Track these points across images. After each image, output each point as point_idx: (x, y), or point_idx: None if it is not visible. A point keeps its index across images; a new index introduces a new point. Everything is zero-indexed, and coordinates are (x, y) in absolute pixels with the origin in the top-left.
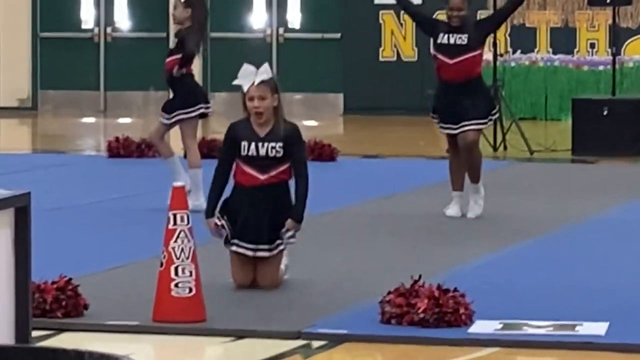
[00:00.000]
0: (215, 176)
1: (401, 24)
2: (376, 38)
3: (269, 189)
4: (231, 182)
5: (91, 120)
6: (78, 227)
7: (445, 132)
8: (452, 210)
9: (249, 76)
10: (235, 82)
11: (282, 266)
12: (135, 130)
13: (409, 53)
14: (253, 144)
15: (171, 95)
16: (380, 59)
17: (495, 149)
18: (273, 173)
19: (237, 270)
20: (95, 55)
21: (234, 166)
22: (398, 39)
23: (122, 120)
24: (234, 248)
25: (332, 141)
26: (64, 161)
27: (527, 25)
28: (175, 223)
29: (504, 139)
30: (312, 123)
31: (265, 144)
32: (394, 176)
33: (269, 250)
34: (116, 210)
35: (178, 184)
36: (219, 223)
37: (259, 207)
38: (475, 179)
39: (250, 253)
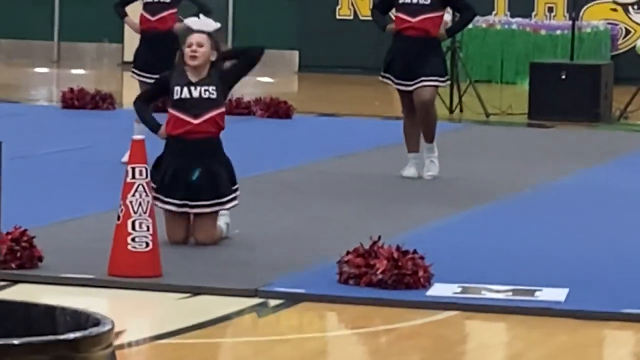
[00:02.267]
0: (138, 103)
1: None
2: None
3: (201, 142)
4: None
5: (44, 70)
6: (32, 178)
7: (400, 89)
8: (409, 171)
9: (193, 24)
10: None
11: (222, 224)
12: (88, 81)
13: (366, 12)
14: (186, 88)
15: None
16: (337, 17)
17: (451, 110)
18: (207, 116)
19: (171, 229)
20: (50, 4)
21: (164, 122)
22: None
23: (75, 71)
24: (167, 207)
25: (287, 99)
26: (17, 111)
27: None
28: (133, 177)
29: (460, 101)
30: (267, 80)
31: (199, 88)
32: (350, 135)
33: (209, 206)
34: (71, 161)
35: (138, 137)
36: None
37: (190, 161)
38: (430, 138)
39: (182, 209)
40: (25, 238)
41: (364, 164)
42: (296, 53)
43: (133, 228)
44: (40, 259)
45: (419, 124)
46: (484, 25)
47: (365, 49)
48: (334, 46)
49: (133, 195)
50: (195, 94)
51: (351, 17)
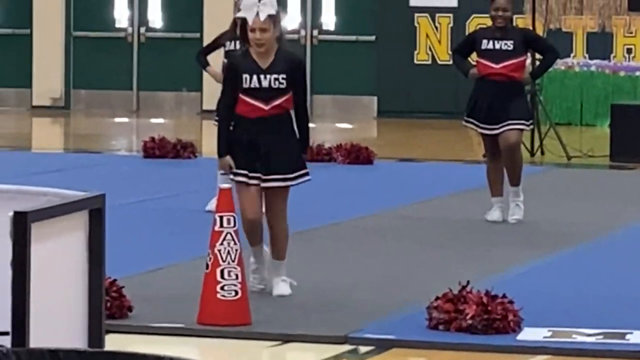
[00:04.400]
0: (222, 112)
1: (436, 27)
2: (411, 41)
3: (272, 119)
4: None
5: (124, 120)
6: (117, 228)
7: (485, 133)
8: (493, 215)
9: (253, 7)
10: (238, 15)
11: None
12: (168, 130)
13: (444, 57)
14: (255, 76)
15: None
16: (415, 62)
17: (532, 154)
18: (276, 103)
19: (246, 203)
20: (129, 55)
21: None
22: (433, 42)
23: (154, 120)
24: (240, 178)
25: (367, 144)
26: (98, 161)
27: (564, 29)
28: (221, 225)
29: (541, 144)
30: (346, 125)
31: (268, 76)
32: (431, 180)
33: (281, 180)
34: (154, 210)
35: (225, 185)
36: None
37: (264, 137)
38: (515, 182)
39: (255, 182)
40: (114, 288)
41: (446, 208)
42: (375, 99)
43: (222, 276)
44: (129, 308)
45: (505, 167)
46: (563, 68)
47: (443, 94)
48: (413, 91)
49: (221, 243)
50: (265, 83)
51: (429, 62)
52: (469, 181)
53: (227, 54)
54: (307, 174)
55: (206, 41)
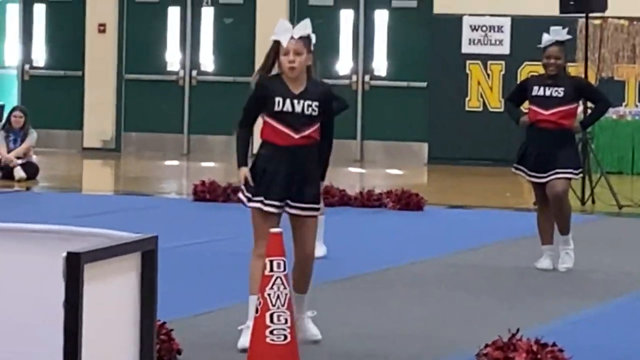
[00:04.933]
0: (241, 128)
1: (488, 75)
2: (463, 88)
3: (301, 149)
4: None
5: (174, 163)
6: (166, 271)
7: (533, 181)
8: (544, 263)
9: (287, 31)
10: (273, 37)
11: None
12: (218, 174)
13: (495, 104)
14: (288, 100)
15: None
16: (467, 108)
17: (583, 202)
18: (306, 132)
19: (262, 232)
20: (180, 98)
21: (261, 124)
22: (485, 89)
23: (204, 163)
24: (259, 205)
25: (417, 190)
26: (148, 204)
27: (616, 78)
28: (271, 269)
29: (592, 193)
30: (396, 171)
31: (301, 102)
32: (481, 227)
33: (304, 209)
34: (204, 254)
35: (275, 230)
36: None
37: (290, 166)
38: (564, 230)
39: (276, 210)
40: (163, 331)
41: (497, 256)
42: (425, 145)
43: (271, 321)
44: (179, 351)
45: (553, 216)
46: (614, 117)
47: (494, 141)
48: (464, 138)
49: (271, 287)
50: (298, 108)
51: (480, 109)
52: (519, 229)
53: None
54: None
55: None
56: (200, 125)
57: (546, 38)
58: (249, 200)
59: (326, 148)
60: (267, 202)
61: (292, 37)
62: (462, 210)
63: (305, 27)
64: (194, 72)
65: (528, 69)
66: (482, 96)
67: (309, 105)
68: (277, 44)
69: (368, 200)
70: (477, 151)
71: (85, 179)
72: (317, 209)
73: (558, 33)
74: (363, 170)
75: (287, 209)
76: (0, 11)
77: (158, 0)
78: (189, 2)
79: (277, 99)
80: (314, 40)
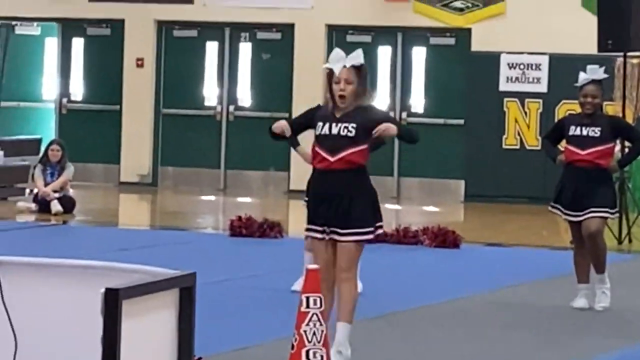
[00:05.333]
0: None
1: (525, 113)
2: (500, 125)
3: (339, 173)
4: None
5: (211, 198)
6: (202, 306)
7: (569, 219)
8: (579, 302)
9: (340, 60)
10: (326, 66)
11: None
12: (254, 209)
13: (533, 142)
14: (327, 124)
15: None
16: (504, 146)
17: (620, 241)
18: (342, 154)
19: (315, 257)
20: (217, 133)
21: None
22: (522, 127)
23: (241, 199)
24: (308, 233)
25: (454, 228)
26: (185, 238)
27: None
28: (307, 306)
29: (629, 232)
30: (433, 209)
31: (339, 124)
32: (518, 265)
33: (343, 234)
34: (240, 289)
35: (312, 266)
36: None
37: (328, 191)
38: (600, 269)
39: (319, 235)
40: None
41: (533, 294)
42: (462, 182)
43: (307, 357)
44: None
45: (589, 254)
46: None
47: (531, 179)
48: (500, 175)
49: (307, 324)
50: (335, 130)
51: (517, 147)
52: (555, 267)
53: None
54: (375, 231)
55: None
56: (237, 160)
57: (583, 77)
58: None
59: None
60: (309, 226)
61: (344, 66)
62: (499, 248)
63: (357, 56)
64: (231, 107)
65: (565, 107)
66: (519, 134)
67: (345, 127)
68: (330, 72)
69: (404, 237)
70: (514, 189)
71: (121, 213)
72: (358, 234)
73: (595, 72)
74: (399, 207)
75: (331, 235)
76: (39, 45)
77: (196, 35)
78: (227, 38)
79: (319, 123)
80: (366, 69)
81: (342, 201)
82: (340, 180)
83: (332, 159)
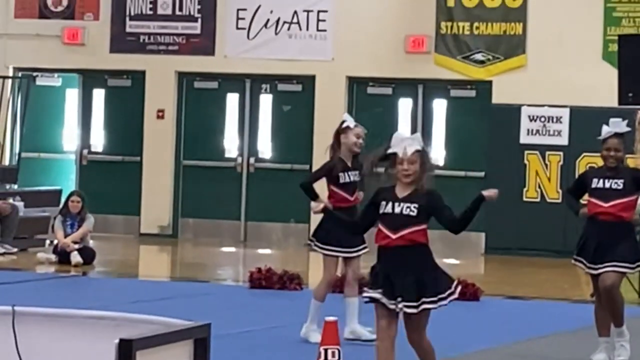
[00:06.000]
0: (356, 227)
1: (546, 165)
2: (520, 178)
3: (402, 250)
4: None
5: (231, 249)
6: (222, 357)
7: (591, 272)
8: (599, 356)
9: (402, 142)
10: (390, 151)
11: None
12: (275, 261)
13: (553, 195)
14: (390, 203)
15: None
16: (524, 199)
17: None
18: (404, 232)
19: (379, 322)
20: (238, 184)
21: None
22: (542, 180)
23: (261, 250)
24: (371, 296)
25: (474, 280)
26: (205, 290)
27: None
28: (326, 358)
29: None
30: (453, 261)
31: (402, 204)
32: (538, 318)
33: (411, 307)
34: (259, 341)
35: (330, 318)
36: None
37: (393, 267)
38: (618, 322)
39: (392, 306)
40: None
41: (554, 347)
42: (483, 235)
43: None
44: None
45: (606, 308)
46: None
47: (552, 232)
48: (521, 228)
49: None
50: (397, 209)
51: (538, 200)
52: (576, 320)
53: (342, 185)
54: (449, 295)
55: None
56: (258, 212)
57: (605, 130)
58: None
59: (456, 220)
60: (370, 290)
61: (405, 149)
62: (519, 301)
63: (418, 140)
64: (252, 159)
65: (586, 160)
66: (539, 187)
67: (407, 207)
68: (393, 155)
69: None
70: (534, 242)
71: (142, 265)
72: (416, 306)
73: (617, 125)
74: None
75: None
76: (60, 96)
77: (217, 86)
78: (247, 89)
79: (382, 202)
80: (426, 150)
81: (406, 277)
82: (402, 256)
83: (393, 237)
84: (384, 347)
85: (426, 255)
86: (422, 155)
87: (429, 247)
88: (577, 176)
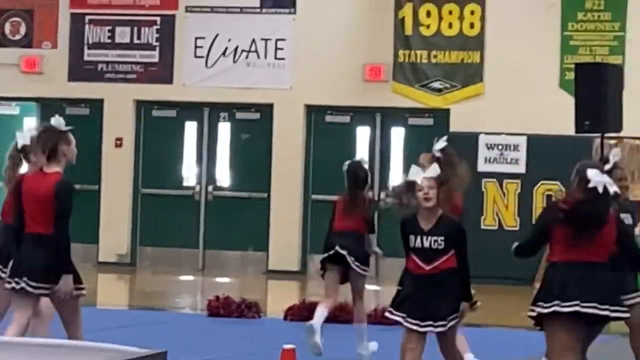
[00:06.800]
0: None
1: (504, 193)
2: (478, 206)
3: (433, 278)
4: None
5: (189, 278)
6: None
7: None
8: None
9: (419, 172)
10: (408, 179)
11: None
12: (233, 290)
13: (511, 222)
14: (419, 238)
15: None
16: (482, 227)
17: None
18: (436, 264)
19: (407, 345)
20: (196, 213)
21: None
22: (500, 208)
23: (219, 279)
24: (405, 323)
25: None
26: (163, 319)
27: (631, 198)
28: None
29: None
30: None
31: (429, 237)
32: (497, 346)
33: (442, 325)
34: None
35: (287, 346)
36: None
37: (425, 291)
38: None
39: (420, 329)
40: None
41: None
42: None
43: None
44: None
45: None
46: None
47: (509, 259)
48: (479, 256)
49: None
50: (427, 244)
51: (496, 227)
52: (533, 348)
53: None
54: (451, 320)
55: (274, 200)
56: (216, 240)
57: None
58: (399, 316)
59: (462, 272)
60: (409, 320)
61: (424, 177)
62: (477, 329)
63: (435, 169)
64: (210, 187)
65: (544, 188)
66: (497, 214)
67: (435, 240)
68: (412, 184)
69: (383, 318)
70: (492, 270)
71: (100, 293)
72: (444, 325)
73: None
74: (379, 288)
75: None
76: (18, 125)
77: (175, 115)
78: (205, 117)
79: (411, 236)
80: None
81: (436, 299)
82: (434, 282)
83: (427, 268)
84: None
85: (453, 278)
86: (440, 181)
87: (456, 268)
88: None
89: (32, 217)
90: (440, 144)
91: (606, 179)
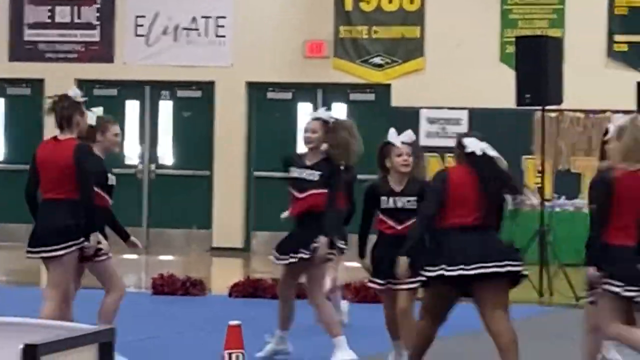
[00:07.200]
0: (362, 225)
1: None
2: None
3: (403, 236)
4: None
5: (133, 257)
6: None
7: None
8: None
9: (397, 137)
10: (386, 140)
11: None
12: (177, 268)
13: None
14: (391, 199)
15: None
16: None
17: (540, 294)
18: (408, 223)
19: (386, 303)
20: (139, 191)
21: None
22: None
23: (163, 257)
24: (372, 285)
25: None
26: None
27: (572, 170)
28: None
29: (549, 285)
30: (356, 264)
31: (402, 199)
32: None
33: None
34: (163, 348)
35: (234, 322)
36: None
37: (396, 251)
38: None
39: (384, 287)
40: None
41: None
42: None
43: None
44: None
45: None
46: (571, 209)
47: None
48: None
49: None
50: (399, 204)
51: None
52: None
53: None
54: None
55: (217, 178)
56: (160, 218)
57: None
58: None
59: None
60: (372, 279)
61: (402, 142)
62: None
63: (411, 135)
64: (153, 166)
65: None
66: None
67: (408, 201)
68: (388, 145)
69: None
70: None
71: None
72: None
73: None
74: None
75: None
76: None
77: (116, 93)
78: (147, 96)
79: (382, 197)
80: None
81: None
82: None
83: (399, 227)
84: (391, 316)
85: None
86: (415, 148)
87: None
88: None
89: (49, 184)
90: (328, 112)
91: (483, 144)
